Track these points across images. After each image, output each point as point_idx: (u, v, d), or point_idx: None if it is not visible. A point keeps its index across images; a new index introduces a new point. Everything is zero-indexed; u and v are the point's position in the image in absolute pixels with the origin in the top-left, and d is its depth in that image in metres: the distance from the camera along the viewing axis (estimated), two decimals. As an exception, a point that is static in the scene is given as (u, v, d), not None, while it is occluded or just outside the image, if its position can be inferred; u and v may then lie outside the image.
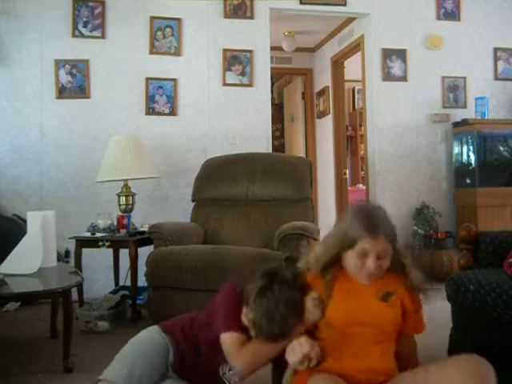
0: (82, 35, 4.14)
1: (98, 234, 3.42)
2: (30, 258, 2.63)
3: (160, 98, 4.26)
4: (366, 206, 1.75)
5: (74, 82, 4.13)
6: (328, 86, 6.01)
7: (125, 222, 3.46)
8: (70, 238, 3.44)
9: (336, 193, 5.84)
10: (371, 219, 1.58)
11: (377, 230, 1.54)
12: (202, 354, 1.68)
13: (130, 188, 3.66)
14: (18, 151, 4.06)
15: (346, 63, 5.91)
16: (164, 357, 1.67)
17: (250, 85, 4.40)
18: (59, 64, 4.11)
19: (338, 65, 5.91)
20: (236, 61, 4.38)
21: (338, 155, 5.85)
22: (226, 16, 4.37)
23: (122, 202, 3.62)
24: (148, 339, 1.71)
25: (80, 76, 4.13)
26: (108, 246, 3.37)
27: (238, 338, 1.59)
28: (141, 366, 1.60)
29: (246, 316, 1.60)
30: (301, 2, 4.50)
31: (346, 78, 6.04)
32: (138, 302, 3.37)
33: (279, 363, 1.60)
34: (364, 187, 5.42)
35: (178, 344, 1.69)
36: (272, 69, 4.78)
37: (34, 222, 2.76)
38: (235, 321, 1.62)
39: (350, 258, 1.55)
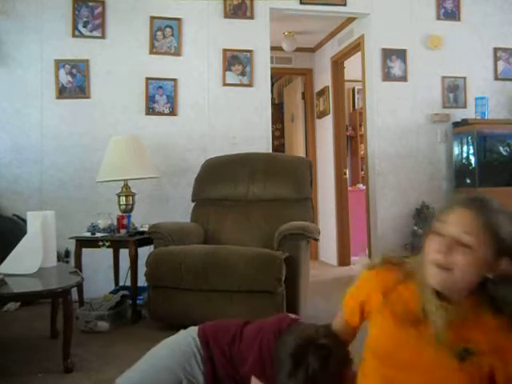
0: (82, 35, 4.14)
1: (98, 234, 3.42)
2: (30, 258, 2.63)
3: (160, 97, 4.26)
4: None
5: (74, 82, 4.13)
6: (328, 86, 6.00)
7: (125, 222, 3.46)
8: (70, 238, 3.44)
9: (336, 193, 5.83)
10: (477, 194, 1.21)
11: (473, 202, 1.12)
12: (233, 365, 1.50)
13: (129, 188, 3.66)
14: (18, 151, 4.06)
15: (346, 63, 5.90)
16: (190, 366, 1.48)
17: (250, 85, 4.40)
18: (59, 64, 4.10)
19: (337, 65, 5.90)
20: (236, 61, 4.38)
21: (338, 155, 5.85)
22: (226, 16, 4.37)
23: (122, 202, 3.62)
24: (175, 345, 1.53)
25: (80, 76, 4.13)
26: (108, 246, 3.37)
27: None
28: (154, 375, 1.46)
29: None
30: (301, 2, 4.50)
31: (346, 78, 6.03)
32: (137, 302, 3.37)
33: None
34: (364, 187, 5.41)
35: (211, 358, 1.50)
36: (272, 69, 4.77)
37: (34, 222, 2.76)
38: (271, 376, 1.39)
39: (427, 245, 1.15)
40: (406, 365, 1.12)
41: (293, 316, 1.54)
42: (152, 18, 4.24)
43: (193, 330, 1.56)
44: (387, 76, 4.65)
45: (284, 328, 1.44)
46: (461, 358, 1.07)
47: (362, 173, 6.19)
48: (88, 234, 3.45)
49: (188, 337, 1.53)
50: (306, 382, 1.30)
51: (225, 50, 4.36)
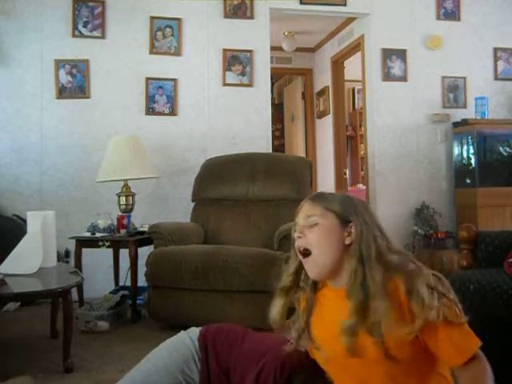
0: (82, 35, 4.14)
1: (98, 234, 3.42)
2: (30, 258, 2.63)
3: (160, 97, 4.26)
4: None
5: (74, 82, 4.13)
6: (328, 86, 6.00)
7: (125, 222, 3.46)
8: (70, 238, 3.44)
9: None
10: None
11: (311, 196, 1.38)
12: (229, 376, 1.48)
13: (129, 188, 3.66)
14: (18, 151, 4.06)
15: (346, 63, 5.91)
16: (189, 369, 1.48)
17: (250, 85, 4.40)
18: (59, 64, 4.10)
19: (338, 65, 5.90)
20: (236, 61, 4.38)
21: (338, 155, 5.85)
22: (226, 16, 4.37)
23: (122, 202, 3.62)
24: (174, 347, 1.52)
25: (80, 76, 4.13)
26: (108, 246, 3.37)
27: None
28: (154, 377, 1.46)
29: None
30: (301, 2, 4.50)
31: (346, 78, 6.03)
32: (137, 302, 3.37)
33: None
34: (364, 187, 5.42)
35: (207, 364, 1.49)
36: (272, 69, 4.77)
37: (34, 222, 2.76)
38: None
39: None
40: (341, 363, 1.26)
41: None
42: (152, 17, 4.24)
43: (193, 332, 1.54)
44: (387, 76, 4.65)
45: (287, 366, 1.39)
46: (372, 332, 1.17)
47: (362, 173, 6.19)
48: (88, 234, 3.45)
49: (188, 339, 1.52)
50: None
51: (225, 50, 4.36)
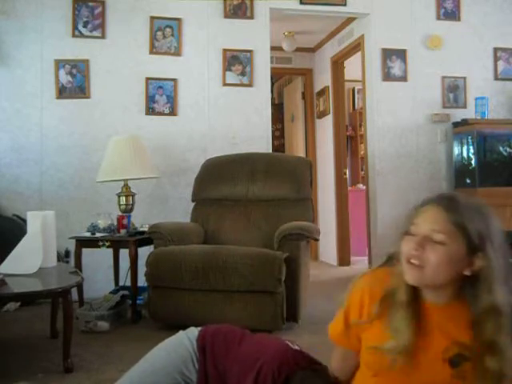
0: (82, 35, 4.14)
1: (98, 234, 3.42)
2: (30, 258, 2.63)
3: (160, 97, 4.26)
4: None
5: (74, 82, 4.13)
6: (328, 86, 6.00)
7: (125, 222, 3.45)
8: (70, 238, 3.44)
9: (336, 193, 5.83)
10: (446, 193, 1.23)
11: (441, 200, 1.14)
12: (225, 379, 1.46)
13: (129, 188, 3.66)
14: (18, 151, 4.06)
15: (346, 63, 5.90)
16: (187, 369, 1.46)
17: (250, 85, 4.40)
18: (59, 64, 4.10)
19: (338, 65, 5.90)
20: (236, 61, 4.38)
21: (338, 155, 5.85)
22: (226, 16, 4.37)
23: (122, 202, 3.62)
24: (172, 347, 1.51)
25: (80, 76, 4.13)
26: (108, 246, 3.37)
27: None
28: (152, 377, 1.45)
29: None
30: (301, 2, 4.50)
31: (346, 78, 6.03)
32: (137, 302, 3.37)
33: None
34: (364, 187, 5.41)
35: (204, 366, 1.48)
36: (272, 69, 4.77)
37: (34, 222, 2.76)
38: None
39: (402, 246, 1.17)
40: (397, 374, 1.13)
41: (294, 347, 1.44)
42: (152, 17, 4.24)
43: (192, 333, 1.52)
44: (387, 76, 4.65)
45: (285, 367, 1.37)
46: (453, 364, 1.07)
47: (362, 173, 6.19)
48: (88, 234, 3.44)
49: (186, 340, 1.50)
50: None
51: (225, 50, 4.36)
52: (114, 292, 3.49)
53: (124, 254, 3.50)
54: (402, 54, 4.65)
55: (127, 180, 3.64)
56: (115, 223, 3.48)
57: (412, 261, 1.10)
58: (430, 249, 1.09)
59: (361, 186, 6.30)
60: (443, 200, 1.14)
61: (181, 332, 1.53)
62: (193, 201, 3.78)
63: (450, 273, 1.10)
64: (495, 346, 1.06)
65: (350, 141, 6.96)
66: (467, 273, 1.10)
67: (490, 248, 1.08)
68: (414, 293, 1.15)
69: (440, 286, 1.13)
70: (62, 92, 4.12)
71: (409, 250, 1.12)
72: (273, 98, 6.94)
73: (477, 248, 1.09)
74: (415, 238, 1.12)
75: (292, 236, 3.02)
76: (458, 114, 4.67)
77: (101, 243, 3.34)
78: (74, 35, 4.12)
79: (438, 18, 4.75)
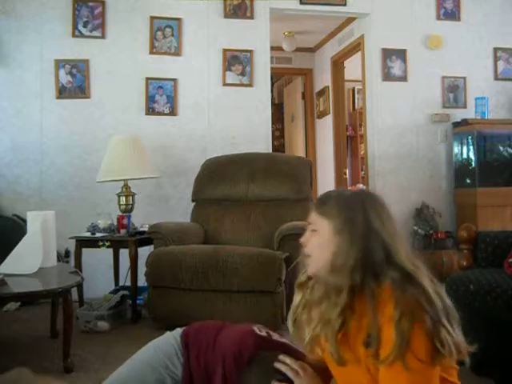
0: (82, 35, 4.14)
1: (98, 234, 3.42)
2: (30, 258, 2.63)
3: (160, 98, 4.26)
4: None
5: (74, 82, 4.13)
6: (328, 86, 6.00)
7: (125, 222, 3.45)
8: (70, 238, 3.44)
9: (336, 193, 5.83)
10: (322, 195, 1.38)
11: (316, 201, 1.36)
12: (207, 372, 1.52)
13: (129, 188, 3.66)
14: (18, 151, 4.06)
15: (346, 63, 5.91)
16: (172, 364, 1.53)
17: (250, 85, 4.40)
18: (59, 64, 4.10)
19: (337, 65, 5.90)
20: (236, 61, 4.38)
21: (338, 155, 5.85)
22: (226, 16, 4.37)
23: (122, 202, 3.62)
24: (157, 345, 1.59)
25: (80, 76, 4.13)
26: (108, 246, 3.37)
27: None
28: (138, 373, 1.52)
29: None
30: (301, 2, 4.50)
31: (346, 77, 6.03)
32: (137, 301, 3.37)
33: None
34: (364, 187, 5.41)
35: (188, 360, 1.55)
36: (272, 69, 4.77)
37: (34, 222, 2.76)
38: None
39: None
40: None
41: (261, 333, 1.51)
42: (152, 17, 4.24)
43: (177, 332, 1.59)
44: (387, 76, 4.65)
45: (245, 351, 1.44)
46: (366, 345, 1.13)
47: (362, 173, 6.19)
48: (88, 234, 3.44)
49: (171, 337, 1.58)
50: None
51: (225, 50, 4.36)
52: (114, 292, 3.49)
53: (124, 253, 3.50)
54: (401, 54, 4.65)
55: (127, 180, 3.64)
56: (115, 223, 3.48)
57: (305, 256, 1.31)
58: (309, 239, 1.30)
59: (361, 185, 6.30)
60: (317, 199, 1.36)
61: (167, 332, 1.61)
62: (193, 201, 3.78)
63: (328, 253, 1.23)
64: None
65: (350, 141, 6.96)
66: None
67: (350, 226, 1.22)
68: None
69: (325, 268, 1.26)
70: (62, 92, 4.12)
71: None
72: (273, 98, 6.95)
73: (339, 229, 1.23)
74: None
75: (292, 236, 3.02)
76: (458, 114, 4.67)
77: (101, 243, 3.34)
78: (74, 35, 4.12)
79: (438, 18, 4.75)
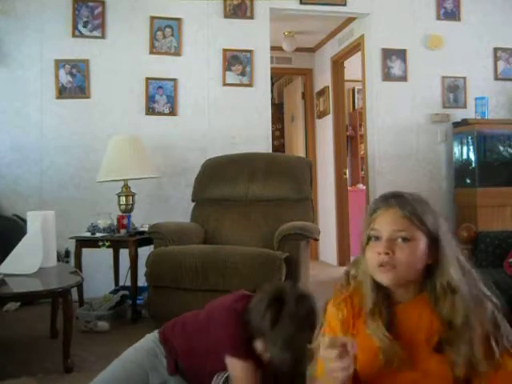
0: (82, 35, 4.14)
1: (98, 234, 3.42)
2: (30, 258, 2.63)
3: (160, 98, 4.26)
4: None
5: (74, 82, 4.13)
6: (328, 86, 6.00)
7: (125, 222, 3.46)
8: (70, 238, 3.44)
9: (336, 193, 5.83)
10: (391, 192, 1.23)
11: (390, 200, 1.19)
12: (196, 356, 1.65)
13: (129, 188, 3.66)
14: (18, 151, 4.06)
15: (346, 63, 5.90)
16: (156, 359, 1.70)
17: (250, 85, 4.40)
18: (59, 64, 4.10)
19: (337, 65, 5.90)
20: (236, 61, 4.38)
21: (338, 155, 5.85)
22: (226, 16, 4.37)
23: (121, 202, 3.62)
24: (139, 344, 1.78)
25: (80, 76, 4.13)
26: (108, 246, 3.37)
27: (251, 370, 1.52)
28: (123, 370, 1.69)
29: (261, 349, 1.52)
30: (301, 2, 4.50)
31: (346, 78, 6.03)
32: (137, 302, 3.37)
33: None
34: (364, 187, 5.41)
35: (171, 350, 1.69)
36: (272, 69, 4.77)
37: (34, 222, 2.77)
38: (245, 349, 1.53)
39: (367, 253, 1.20)
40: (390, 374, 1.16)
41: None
42: (152, 17, 4.24)
43: (156, 331, 1.77)
44: (387, 76, 4.65)
45: (239, 303, 1.63)
46: (439, 351, 1.13)
47: (362, 173, 6.19)
48: (88, 234, 3.45)
49: (150, 337, 1.76)
50: (288, 324, 1.44)
51: (225, 50, 4.36)
52: (114, 292, 3.50)
53: (124, 253, 3.50)
54: (401, 54, 4.65)
55: (127, 180, 3.64)
56: (115, 223, 3.48)
57: (384, 264, 1.14)
58: (397, 249, 1.14)
59: (361, 185, 6.30)
60: (393, 200, 1.19)
61: (147, 334, 1.80)
62: (193, 201, 3.78)
63: (420, 266, 1.16)
64: (456, 324, 1.13)
65: (350, 141, 6.95)
66: (429, 261, 1.18)
67: (442, 233, 1.18)
68: (381, 298, 1.19)
69: (410, 282, 1.19)
70: (62, 92, 4.12)
71: (378, 256, 1.15)
72: (273, 98, 6.94)
73: (433, 236, 1.17)
74: (381, 243, 1.16)
75: (292, 236, 3.02)
76: (458, 114, 4.66)
77: (101, 243, 3.34)
78: (74, 35, 4.12)
79: (438, 18, 4.74)
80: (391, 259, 1.14)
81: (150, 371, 1.65)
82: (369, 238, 1.19)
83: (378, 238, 1.17)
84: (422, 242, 1.15)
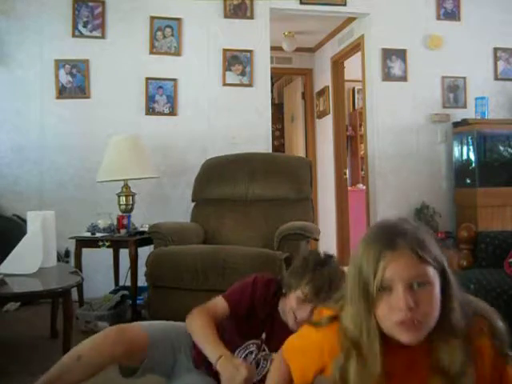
0: (82, 35, 4.14)
1: (98, 234, 3.42)
2: (30, 258, 2.63)
3: (160, 97, 4.26)
4: (387, 221, 1.11)
5: (74, 82, 4.13)
6: (328, 86, 6.00)
7: (125, 222, 3.45)
8: (70, 238, 3.44)
9: (336, 193, 5.83)
10: (393, 229, 1.05)
11: (397, 241, 1.01)
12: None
13: (129, 188, 3.66)
14: (18, 151, 4.06)
15: (346, 63, 5.90)
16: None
17: (250, 85, 4.40)
18: (59, 64, 4.10)
19: (337, 65, 5.90)
20: (236, 61, 4.38)
21: (338, 155, 5.85)
22: (226, 16, 4.37)
23: (121, 202, 3.62)
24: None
25: (80, 76, 4.13)
26: (108, 246, 3.37)
27: (221, 306, 1.68)
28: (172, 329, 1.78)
29: (292, 303, 1.59)
30: (301, 2, 4.50)
31: (346, 78, 6.03)
32: (137, 302, 3.37)
33: None
34: (364, 187, 5.42)
35: None
36: (272, 69, 4.77)
37: (34, 222, 2.76)
38: (238, 298, 1.68)
39: (379, 310, 1.02)
40: None
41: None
42: (152, 17, 4.24)
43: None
44: (387, 76, 4.65)
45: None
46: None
47: (362, 173, 6.19)
48: (88, 234, 3.44)
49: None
50: (327, 275, 1.56)
51: (225, 50, 4.36)
52: (114, 292, 3.49)
53: (124, 253, 3.49)
54: (402, 54, 4.65)
55: (127, 180, 3.64)
56: (115, 223, 3.48)
57: (408, 322, 0.98)
58: (419, 296, 0.98)
59: (361, 185, 6.30)
60: (401, 240, 1.01)
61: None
62: (193, 201, 3.78)
63: (438, 311, 1.02)
64: (452, 372, 1.02)
65: (350, 141, 6.95)
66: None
67: (447, 265, 1.05)
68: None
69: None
70: (62, 92, 4.12)
71: (398, 313, 0.98)
72: (273, 98, 6.94)
73: (440, 271, 1.03)
74: (397, 296, 0.98)
75: (292, 236, 3.02)
76: (458, 114, 4.67)
77: (101, 243, 3.34)
78: (73, 35, 4.12)
79: (438, 18, 4.75)
80: (415, 314, 0.97)
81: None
82: (378, 290, 1.00)
83: (388, 289, 0.99)
84: (437, 282, 1.01)
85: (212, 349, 1.52)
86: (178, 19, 4.29)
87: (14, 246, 2.71)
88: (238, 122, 4.38)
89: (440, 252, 1.04)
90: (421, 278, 0.98)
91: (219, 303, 1.69)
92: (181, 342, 1.69)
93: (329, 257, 1.66)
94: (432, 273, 1.00)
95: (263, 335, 1.65)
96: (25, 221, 3.02)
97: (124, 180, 3.64)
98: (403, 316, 0.97)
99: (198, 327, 1.62)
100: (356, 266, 1.05)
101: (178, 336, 1.71)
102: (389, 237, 1.02)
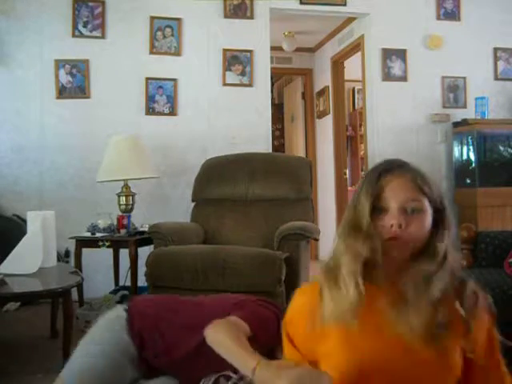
0: (82, 35, 4.14)
1: (98, 234, 3.42)
2: (30, 258, 2.63)
3: (160, 97, 4.26)
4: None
5: (74, 82, 4.13)
6: (328, 86, 6.00)
7: (125, 222, 3.45)
8: (70, 238, 3.44)
9: (336, 193, 5.83)
10: (394, 160, 1.14)
11: (397, 166, 1.10)
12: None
13: (129, 188, 3.66)
14: (18, 151, 4.06)
15: (346, 63, 5.90)
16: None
17: (250, 85, 4.40)
18: (59, 64, 4.10)
19: (337, 65, 5.90)
20: (236, 61, 4.38)
21: (338, 155, 5.85)
22: (226, 16, 4.37)
23: (121, 202, 3.62)
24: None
25: (80, 76, 4.13)
26: (108, 246, 3.37)
27: (243, 325, 1.44)
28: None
29: None
30: (301, 2, 4.50)
31: (346, 78, 6.03)
32: (137, 302, 3.36)
33: None
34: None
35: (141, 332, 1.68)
36: (272, 69, 4.77)
37: (34, 222, 2.77)
38: (263, 330, 1.48)
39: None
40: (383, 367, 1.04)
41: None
42: (152, 17, 4.24)
43: (121, 309, 1.79)
44: (387, 76, 4.65)
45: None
46: (435, 337, 1.02)
47: (362, 173, 6.19)
48: (88, 234, 3.44)
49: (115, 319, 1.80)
50: None
51: (225, 50, 4.36)
52: (114, 292, 3.49)
53: (124, 253, 3.49)
54: (402, 54, 4.65)
55: (127, 180, 3.64)
56: (115, 223, 3.48)
57: (397, 238, 1.04)
58: (411, 219, 1.04)
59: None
60: (401, 167, 1.10)
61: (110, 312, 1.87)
62: (193, 201, 3.78)
63: (423, 241, 1.07)
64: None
65: (350, 141, 6.95)
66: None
67: (446, 203, 1.10)
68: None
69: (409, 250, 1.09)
70: (62, 92, 4.12)
71: (389, 228, 1.04)
72: (273, 98, 6.94)
73: (438, 208, 1.09)
74: (391, 214, 1.04)
75: (292, 236, 3.02)
76: (458, 114, 4.66)
77: (101, 243, 3.34)
78: (74, 35, 4.13)
79: (438, 18, 4.75)
80: (406, 233, 1.03)
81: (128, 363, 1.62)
82: (374, 208, 1.06)
83: (384, 210, 1.06)
84: (429, 215, 1.06)
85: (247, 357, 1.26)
86: (178, 19, 4.29)
87: (14, 246, 2.71)
88: (237, 122, 4.38)
89: (439, 191, 1.10)
90: (415, 204, 1.05)
91: (238, 321, 1.46)
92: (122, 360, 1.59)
93: None
94: (426, 203, 1.06)
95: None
96: (25, 221, 3.02)
97: (124, 180, 3.64)
98: (393, 232, 1.03)
99: (228, 338, 1.36)
100: (353, 200, 1.11)
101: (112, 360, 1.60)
102: (389, 164, 1.11)
